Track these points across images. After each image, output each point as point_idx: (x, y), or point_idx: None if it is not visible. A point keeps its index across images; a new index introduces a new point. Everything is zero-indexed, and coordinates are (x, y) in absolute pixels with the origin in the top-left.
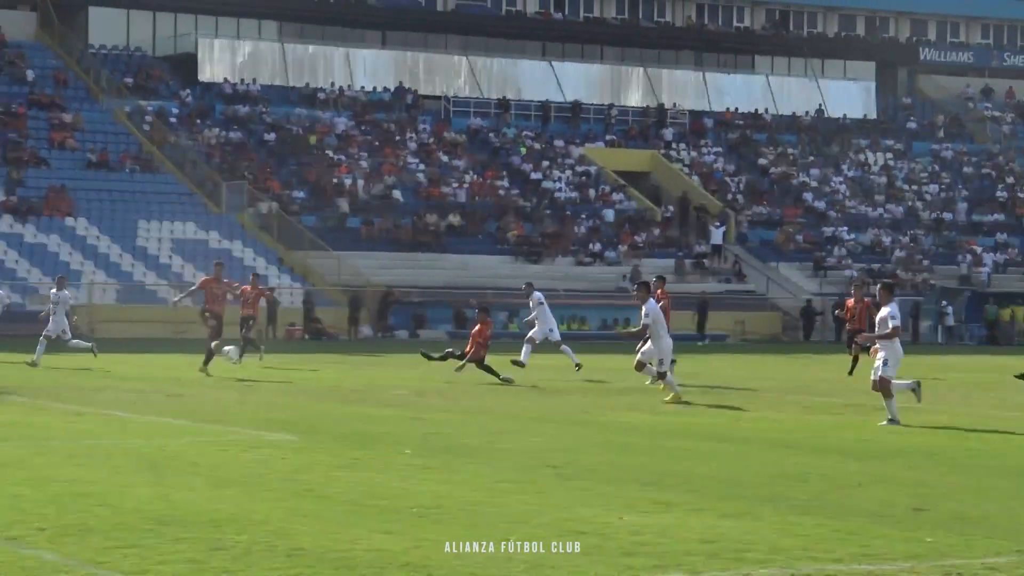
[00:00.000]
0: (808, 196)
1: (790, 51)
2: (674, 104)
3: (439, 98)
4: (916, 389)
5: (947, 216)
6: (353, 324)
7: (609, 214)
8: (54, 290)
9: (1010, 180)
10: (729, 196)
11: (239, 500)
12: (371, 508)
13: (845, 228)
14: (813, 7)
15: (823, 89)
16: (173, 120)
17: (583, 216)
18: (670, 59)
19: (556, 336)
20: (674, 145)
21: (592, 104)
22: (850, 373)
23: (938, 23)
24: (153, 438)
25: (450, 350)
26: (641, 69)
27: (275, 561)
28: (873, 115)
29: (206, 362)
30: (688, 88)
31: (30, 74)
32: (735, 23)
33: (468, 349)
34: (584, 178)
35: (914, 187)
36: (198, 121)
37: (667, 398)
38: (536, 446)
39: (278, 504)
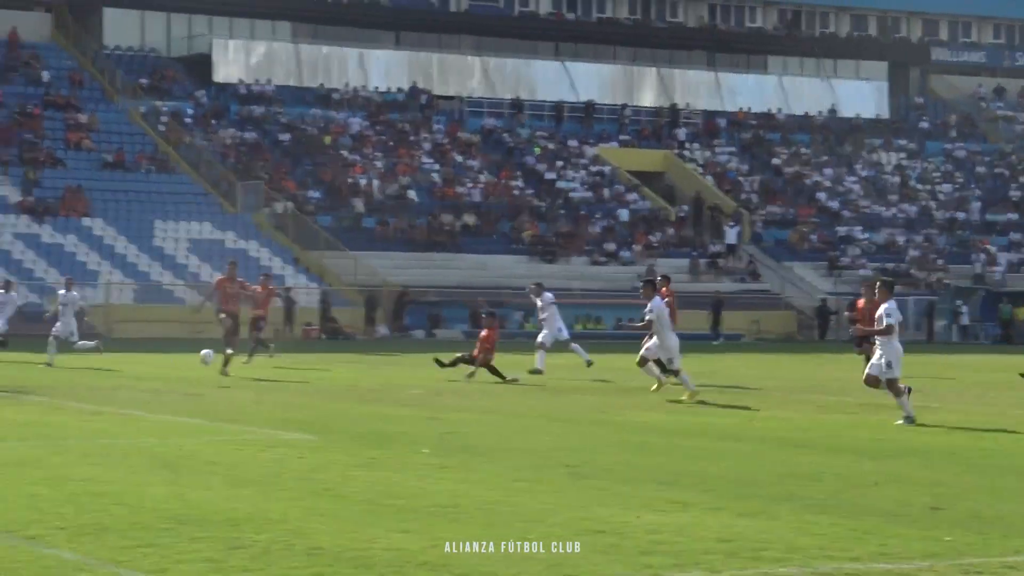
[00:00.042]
0: (822, 196)
1: (802, 51)
2: (687, 104)
3: (453, 98)
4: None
5: (960, 215)
6: (369, 324)
7: (623, 214)
8: (62, 291)
9: (1023, 179)
10: (743, 196)
11: (256, 499)
12: (388, 507)
13: (859, 228)
14: (825, 7)
15: (835, 89)
16: (188, 120)
17: (597, 216)
18: (682, 59)
19: (565, 334)
20: (687, 145)
21: (605, 104)
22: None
23: (950, 23)
24: (170, 437)
25: (460, 355)
26: (654, 69)
27: (294, 560)
28: (886, 115)
29: (225, 363)
30: (701, 88)
31: (45, 75)
32: (747, 23)
33: (476, 353)
34: (598, 178)
35: (927, 187)
36: (213, 121)
37: (684, 396)
38: (552, 445)
39: (296, 503)
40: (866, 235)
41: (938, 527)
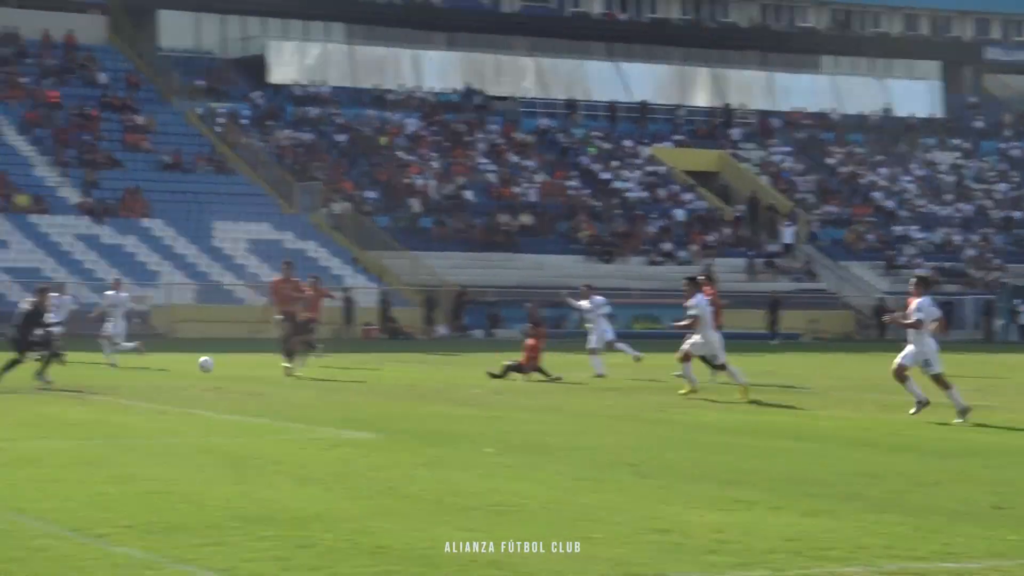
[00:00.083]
0: (877, 195)
1: (855, 51)
2: (741, 104)
3: (507, 99)
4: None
5: (1017, 215)
6: (429, 324)
7: (679, 214)
8: (111, 292)
9: None
10: (798, 195)
11: (322, 498)
12: (453, 506)
13: (915, 227)
14: (877, 7)
15: (889, 88)
16: (245, 122)
17: (653, 216)
18: (735, 59)
19: (610, 335)
20: (742, 145)
21: (659, 104)
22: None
23: (1003, 22)
24: (234, 436)
25: (508, 363)
26: (706, 69)
27: (360, 559)
28: (940, 114)
29: (289, 362)
30: (754, 88)
31: (102, 77)
32: (798, 23)
33: (524, 361)
34: (653, 178)
35: (983, 186)
36: (269, 122)
37: (738, 395)
38: (614, 444)
39: (361, 502)
40: (923, 234)
41: (1002, 526)
